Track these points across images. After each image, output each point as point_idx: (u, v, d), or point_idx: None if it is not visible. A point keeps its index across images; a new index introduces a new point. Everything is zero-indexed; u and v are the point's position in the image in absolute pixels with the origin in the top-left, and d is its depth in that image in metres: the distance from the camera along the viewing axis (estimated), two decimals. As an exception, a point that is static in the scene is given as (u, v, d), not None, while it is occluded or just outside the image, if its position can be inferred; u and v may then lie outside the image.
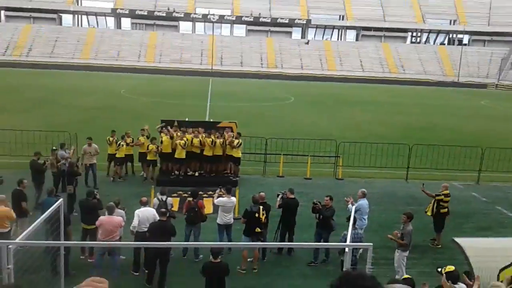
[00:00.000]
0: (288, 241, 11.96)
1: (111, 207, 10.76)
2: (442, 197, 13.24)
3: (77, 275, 10.34)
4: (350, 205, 11.68)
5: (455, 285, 7.27)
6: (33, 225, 7.69)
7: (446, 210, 13.33)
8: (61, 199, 9.33)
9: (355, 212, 10.86)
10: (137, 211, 10.98)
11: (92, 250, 11.36)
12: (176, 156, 17.14)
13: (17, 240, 7.69)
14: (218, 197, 12.28)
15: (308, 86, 62.45)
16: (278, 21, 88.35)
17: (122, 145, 17.47)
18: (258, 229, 11.07)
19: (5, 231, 10.61)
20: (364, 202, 12.45)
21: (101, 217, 10.58)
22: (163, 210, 10.89)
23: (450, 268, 7.65)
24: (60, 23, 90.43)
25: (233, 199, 12.37)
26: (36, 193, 14.42)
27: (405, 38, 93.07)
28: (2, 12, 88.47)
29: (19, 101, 35.40)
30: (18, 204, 11.74)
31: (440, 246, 12.89)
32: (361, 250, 10.23)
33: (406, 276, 8.46)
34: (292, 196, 12.33)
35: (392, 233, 10.78)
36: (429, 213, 13.31)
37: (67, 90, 43.88)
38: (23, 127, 21.08)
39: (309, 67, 79.98)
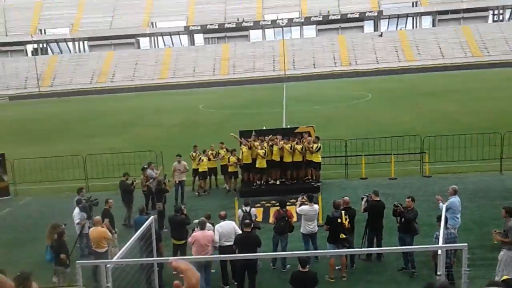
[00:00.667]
0: (377, 246, 11.58)
1: (202, 222, 11.01)
2: None
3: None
4: (440, 204, 11.11)
5: None
6: (127, 243, 8.10)
7: None
8: (152, 217, 9.77)
9: (446, 210, 10.31)
10: (217, 226, 11.13)
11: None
12: (257, 166, 17.28)
13: (114, 259, 8.14)
14: (300, 205, 12.20)
15: (386, 80, 60.58)
16: (348, 16, 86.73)
17: (202, 159, 17.92)
18: (342, 235, 10.84)
19: (102, 251, 11.26)
20: (455, 199, 11.76)
21: (195, 233, 10.81)
22: (248, 221, 10.99)
23: None
24: (139, 47, 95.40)
25: (316, 206, 12.21)
26: (127, 212, 15.21)
27: (486, 17, 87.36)
28: (86, 42, 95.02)
29: (107, 125, 37.70)
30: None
31: None
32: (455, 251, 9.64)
33: (505, 277, 7.84)
34: (378, 199, 11.95)
35: (492, 232, 10.03)
36: None
37: (149, 110, 46.07)
38: (113, 150, 22.39)
39: (385, 60, 77.50)
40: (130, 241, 8.21)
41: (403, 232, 10.99)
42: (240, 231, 10.81)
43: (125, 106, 52.16)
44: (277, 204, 12.56)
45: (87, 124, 39.57)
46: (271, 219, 12.01)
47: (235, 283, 10.69)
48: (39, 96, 75.10)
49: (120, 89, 74.65)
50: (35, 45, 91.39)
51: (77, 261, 7.88)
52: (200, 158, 17.94)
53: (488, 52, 76.57)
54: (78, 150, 23.54)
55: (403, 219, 11.02)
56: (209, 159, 18.10)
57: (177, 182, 17.07)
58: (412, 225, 10.90)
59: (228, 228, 11.01)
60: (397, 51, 79.88)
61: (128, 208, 15.31)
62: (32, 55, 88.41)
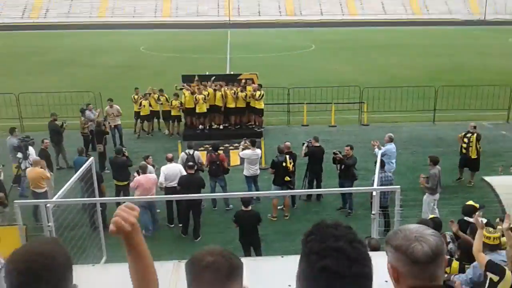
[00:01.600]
0: (316, 188, 12.09)
1: (144, 167, 10.97)
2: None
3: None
4: (376, 149, 11.67)
5: (469, 218, 7.36)
6: (67, 183, 7.94)
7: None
8: (91, 158, 9.59)
9: (382, 156, 10.86)
10: (162, 168, 11.19)
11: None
12: (197, 110, 17.19)
13: (54, 199, 7.98)
14: (243, 149, 12.40)
15: (329, 32, 60.98)
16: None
17: (143, 104, 17.55)
18: (287, 178, 11.20)
19: (42, 191, 11.00)
20: (391, 146, 12.42)
21: (138, 177, 10.75)
22: (191, 163, 11.07)
23: (469, 203, 7.80)
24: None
25: (258, 151, 12.49)
26: (56, 154, 14.80)
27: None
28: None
29: (40, 63, 35.70)
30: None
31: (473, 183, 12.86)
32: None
33: (432, 216, 8.53)
34: (318, 144, 12.36)
35: (419, 176, 10.78)
36: (473, 155, 12.93)
37: (87, 50, 43.95)
38: (47, 89, 21.37)
39: (329, 13, 77.81)
40: (70, 181, 8.06)
41: (343, 178, 11.49)
42: (185, 174, 10.89)
43: (60, 44, 49.37)
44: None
45: (19, 61, 37.25)
46: (206, 163, 12.14)
47: (180, 225, 10.86)
48: (-38, 29, 69.31)
49: (54, 26, 70.23)
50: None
51: (15, 201, 7.68)
52: (140, 103, 17.55)
53: (428, 10, 78.79)
54: (11, 88, 22.27)
55: (342, 166, 11.49)
56: (150, 104, 17.76)
57: (112, 126, 16.63)
58: (351, 171, 11.40)
59: (174, 170, 11.06)
60: (341, 4, 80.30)
61: (58, 150, 14.85)
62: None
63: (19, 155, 12.47)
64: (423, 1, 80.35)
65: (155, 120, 18.47)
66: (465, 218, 7.64)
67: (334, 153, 11.69)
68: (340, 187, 11.53)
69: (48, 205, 7.49)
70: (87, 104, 16.77)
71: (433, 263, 2.04)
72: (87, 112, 16.00)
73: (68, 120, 16.28)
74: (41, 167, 11.23)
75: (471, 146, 12.93)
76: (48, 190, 11.24)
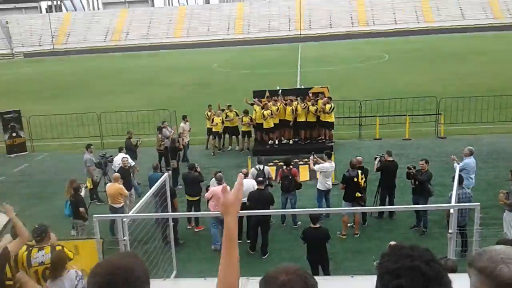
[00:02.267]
0: (389, 205, 11.65)
1: (219, 178, 11.16)
2: None
3: (186, 244, 11.01)
4: (455, 164, 11.07)
5: None
6: (143, 199, 8.26)
7: None
8: (166, 174, 9.91)
9: (461, 171, 10.28)
10: None
11: (198, 220, 11.97)
12: (265, 126, 17.26)
13: (130, 214, 8.32)
14: (314, 163, 12.24)
15: (404, 41, 59.33)
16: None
17: (214, 120, 17.89)
18: (358, 194, 10.90)
19: (119, 206, 11.50)
20: (470, 160, 11.69)
21: (213, 188, 10.96)
22: (261, 179, 11.10)
23: None
24: (153, 5, 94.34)
25: (333, 163, 12.32)
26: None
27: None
28: (100, 0, 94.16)
29: (121, 83, 37.75)
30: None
31: None
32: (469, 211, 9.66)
33: (513, 235, 7.88)
34: (391, 159, 11.94)
35: (499, 192, 10.04)
36: None
37: (163, 69, 45.91)
38: (126, 108, 22.50)
39: (404, 21, 75.71)
40: (145, 196, 8.37)
41: (417, 194, 10.95)
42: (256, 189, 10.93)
43: (138, 64, 52.02)
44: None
45: (101, 82, 39.68)
46: (278, 179, 12.10)
47: (248, 241, 10.89)
48: (53, 53, 75.18)
49: (134, 48, 74.30)
50: (49, 2, 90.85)
51: (94, 215, 8.07)
52: (212, 119, 17.95)
53: (510, 13, 74.21)
54: (93, 107, 23.71)
55: (417, 182, 10.98)
56: (222, 121, 18.11)
57: (185, 143, 17.16)
58: (426, 187, 10.86)
59: (248, 186, 11.10)
60: (416, 12, 77.86)
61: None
62: (46, 12, 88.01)
63: (98, 171, 13.18)
64: (505, 4, 75.84)
65: (227, 136, 18.79)
66: None
67: (408, 168, 11.23)
68: (414, 203, 11.03)
69: (124, 219, 7.80)
70: (162, 121, 17.42)
71: None
72: (164, 130, 16.61)
73: (144, 137, 17.01)
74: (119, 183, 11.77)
75: None
76: (128, 205, 11.77)
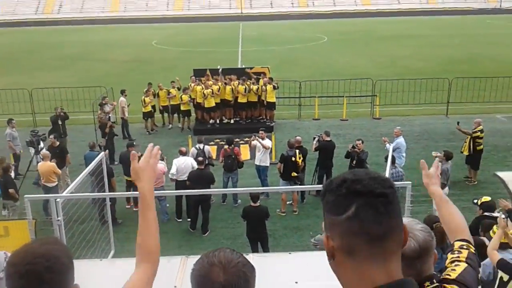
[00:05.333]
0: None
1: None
2: (478, 133, 12.70)
3: (124, 224, 10.83)
4: (387, 145, 11.53)
5: (492, 213, 7.19)
6: (78, 178, 7.99)
7: (482, 146, 12.82)
8: (103, 153, 9.64)
9: (394, 150, 10.73)
10: (174, 160, 11.21)
11: (137, 200, 11.77)
12: (206, 105, 17.15)
13: (64, 193, 8.04)
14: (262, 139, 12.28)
15: (342, 23, 60.49)
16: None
17: (145, 100, 17.46)
18: (294, 173, 11.13)
19: (53, 185, 11.10)
20: (401, 139, 12.27)
21: None
22: (201, 158, 11.07)
23: (486, 198, 7.59)
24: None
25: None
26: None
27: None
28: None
29: (53, 58, 35.96)
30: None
31: (476, 182, 12.57)
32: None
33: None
34: (328, 139, 12.25)
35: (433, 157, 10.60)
36: (465, 152, 12.76)
37: (99, 45, 44.17)
38: (61, 84, 21.54)
39: (342, 3, 77.10)
40: (81, 175, 8.11)
41: None
42: (196, 168, 10.90)
43: (72, 39, 49.68)
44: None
45: (32, 56, 37.61)
46: (220, 158, 12.12)
47: (188, 219, 10.87)
48: (-22, 25, 70.12)
49: (68, 21, 70.71)
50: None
51: (26, 195, 7.73)
52: (144, 100, 17.45)
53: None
54: (24, 83, 22.49)
55: (354, 161, 11.35)
56: (154, 96, 17.73)
57: (125, 118, 16.79)
58: (364, 166, 11.26)
59: (186, 163, 11.06)
60: (354, -6, 79.45)
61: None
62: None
63: (31, 149, 12.62)
64: (439, -10, 79.03)
65: (165, 115, 18.50)
66: (486, 213, 7.41)
67: (353, 147, 11.55)
68: (321, 181, 11.45)
69: (58, 199, 7.53)
70: (103, 97, 16.89)
71: (420, 259, 1.97)
72: (104, 106, 16.10)
73: (79, 114, 16.38)
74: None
75: (466, 143, 12.74)
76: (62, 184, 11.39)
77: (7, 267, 1.64)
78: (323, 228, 1.45)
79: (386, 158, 10.65)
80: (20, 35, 55.47)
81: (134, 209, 11.62)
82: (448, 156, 10.59)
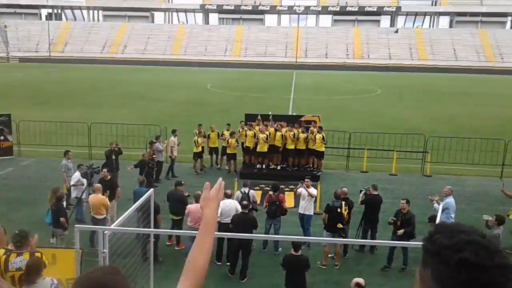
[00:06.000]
0: (371, 239, 11.71)
1: (197, 196, 11.17)
2: None
3: (164, 262, 10.95)
4: (436, 204, 11.17)
5: None
6: (126, 212, 8.23)
7: None
8: (151, 189, 9.89)
9: (442, 211, 10.37)
10: (220, 202, 11.27)
11: (179, 238, 11.92)
12: (258, 149, 17.39)
13: (112, 227, 8.28)
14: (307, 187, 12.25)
15: (397, 77, 60.29)
16: (365, 9, 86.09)
17: (197, 141, 17.95)
18: (340, 225, 10.96)
19: (101, 218, 11.45)
20: (451, 200, 11.84)
21: (190, 205, 11.05)
22: (246, 202, 11.14)
23: None
24: (153, 21, 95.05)
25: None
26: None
27: (504, 23, 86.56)
28: (100, 12, 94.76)
29: (115, 96, 37.78)
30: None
31: None
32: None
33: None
34: (376, 193, 12.05)
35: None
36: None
37: (158, 85, 46.08)
38: (119, 120, 22.50)
39: (398, 57, 77.06)
40: (129, 210, 8.35)
41: (400, 237, 10.80)
42: (240, 211, 10.97)
43: (134, 78, 52.16)
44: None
45: (95, 92, 39.69)
46: (265, 204, 12.14)
47: (228, 263, 10.85)
48: (49, 60, 75.11)
49: (131, 61, 74.55)
50: (50, 10, 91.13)
51: (76, 225, 8.02)
52: (195, 140, 17.96)
53: (502, 58, 76.01)
54: (84, 117, 23.68)
55: (398, 222, 10.89)
56: (204, 137, 18.19)
57: (174, 157, 17.29)
58: (409, 233, 10.77)
59: (231, 206, 11.15)
60: (411, 49, 79.39)
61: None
62: (46, 19, 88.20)
63: (84, 181, 13.14)
64: (498, 48, 77.69)
65: (214, 156, 18.86)
66: None
67: (389, 223, 11.07)
68: (365, 236, 11.11)
69: (105, 231, 7.77)
70: (156, 136, 17.50)
71: None
72: (156, 144, 16.68)
73: (133, 151, 16.98)
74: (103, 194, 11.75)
75: None
76: (109, 217, 11.73)
77: None
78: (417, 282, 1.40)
79: (430, 218, 10.33)
80: (86, 72, 58.82)
81: (176, 247, 11.75)
82: (500, 221, 10.14)
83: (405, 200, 11.10)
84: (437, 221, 8.70)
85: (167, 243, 11.93)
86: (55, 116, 24.10)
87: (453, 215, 11.75)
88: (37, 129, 20.27)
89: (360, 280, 7.12)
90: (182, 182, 12.59)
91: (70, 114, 26.91)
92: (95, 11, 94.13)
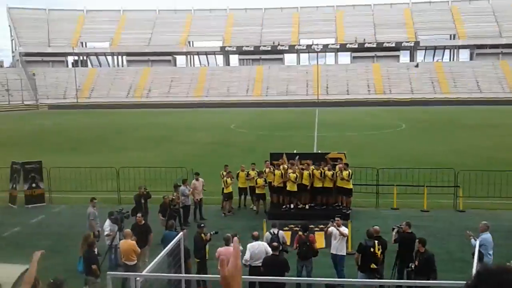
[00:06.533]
0: (407, 279, 11.35)
1: (227, 239, 11.11)
2: None
3: (197, 308, 10.79)
4: (473, 240, 10.85)
5: None
6: (157, 257, 8.22)
7: None
8: (181, 233, 9.88)
9: (480, 247, 10.05)
10: (249, 245, 11.18)
11: (205, 282, 11.74)
12: (288, 189, 17.31)
13: (144, 273, 8.26)
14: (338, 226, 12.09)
15: (420, 111, 59.92)
16: (384, 45, 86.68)
17: (226, 181, 18.02)
18: (373, 265, 10.69)
19: (132, 264, 11.43)
20: (488, 235, 11.46)
21: (220, 249, 10.94)
22: (276, 244, 10.98)
23: None
24: (175, 64, 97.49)
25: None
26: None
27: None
28: (124, 57, 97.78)
29: (141, 139, 38.43)
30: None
31: None
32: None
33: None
34: (409, 230, 11.76)
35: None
36: None
37: (182, 127, 46.77)
38: (145, 164, 22.79)
39: (420, 91, 76.82)
40: (160, 255, 8.32)
41: (419, 275, 10.29)
42: (270, 254, 10.81)
43: (159, 121, 53.10)
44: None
45: (122, 136, 40.46)
46: (295, 245, 11.96)
47: (260, 306, 10.64)
48: (77, 107, 77.34)
49: (155, 105, 76.17)
50: (76, 57, 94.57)
51: (108, 272, 8.02)
52: (224, 180, 18.04)
53: (527, 87, 75.08)
54: (113, 162, 24.03)
55: (416, 262, 10.59)
56: (233, 178, 18.20)
57: (197, 200, 17.26)
58: (428, 268, 10.38)
59: (260, 248, 11.02)
60: (432, 83, 79.19)
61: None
62: (73, 66, 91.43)
63: (111, 227, 13.20)
64: (522, 79, 76.93)
65: (242, 197, 18.81)
66: None
67: (397, 231, 10.97)
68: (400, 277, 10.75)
69: (137, 278, 7.74)
70: (183, 180, 17.57)
71: None
72: (182, 187, 16.74)
73: (161, 194, 17.07)
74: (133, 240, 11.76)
75: None
76: (141, 262, 11.71)
77: None
78: None
79: (473, 255, 9.99)
80: (112, 116, 60.22)
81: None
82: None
83: (420, 243, 10.65)
84: (475, 257, 8.44)
85: (199, 288, 11.76)
86: (83, 162, 24.59)
87: (491, 252, 11.35)
88: (67, 175, 20.64)
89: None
90: (202, 225, 12.47)
91: (98, 159, 27.41)
92: (119, 57, 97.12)
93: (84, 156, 29.47)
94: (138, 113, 64.78)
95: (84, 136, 40.80)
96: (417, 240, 10.84)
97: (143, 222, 13.17)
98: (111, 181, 20.26)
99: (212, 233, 11.73)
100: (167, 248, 9.04)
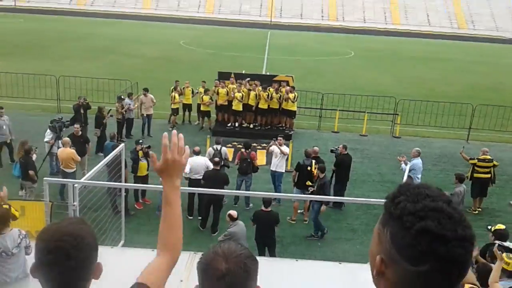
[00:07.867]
0: (339, 196, 11.99)
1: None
2: (476, 161, 12.44)
3: (136, 215, 11.00)
4: (403, 165, 11.49)
5: (503, 243, 7.07)
6: (96, 166, 8.18)
7: (482, 175, 12.36)
8: (122, 144, 9.82)
9: (409, 171, 10.68)
10: (189, 159, 11.28)
11: (145, 193, 11.87)
12: (233, 108, 17.35)
13: (82, 180, 8.22)
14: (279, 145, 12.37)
15: (370, 40, 60.34)
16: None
17: (174, 96, 17.79)
18: (309, 182, 11.17)
19: (71, 171, 11.33)
20: (418, 161, 12.19)
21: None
22: (217, 159, 11.19)
23: (500, 226, 7.48)
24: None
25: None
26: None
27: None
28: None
29: (84, 49, 36.63)
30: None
31: (476, 212, 12.29)
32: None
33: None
34: (346, 152, 12.27)
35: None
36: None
37: (129, 40, 44.81)
38: (88, 74, 21.94)
39: (372, 21, 76.91)
40: (99, 164, 8.30)
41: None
42: (211, 168, 11.01)
43: (103, 32, 50.48)
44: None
45: (63, 45, 38.36)
46: (236, 160, 12.24)
47: (199, 218, 10.98)
48: (14, 10, 71.81)
49: (100, 14, 71.95)
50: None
51: (45, 178, 7.92)
52: (172, 96, 17.78)
53: (474, 25, 76.84)
54: (52, 70, 22.98)
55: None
56: (180, 94, 18.00)
57: (144, 115, 17.04)
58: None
59: (200, 163, 11.19)
60: (385, 13, 79.28)
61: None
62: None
63: (52, 135, 12.87)
64: (470, 16, 78.46)
65: (187, 113, 18.73)
66: (497, 242, 7.29)
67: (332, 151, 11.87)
68: (335, 194, 11.49)
69: (75, 185, 7.71)
70: (129, 93, 17.15)
71: None
72: (126, 100, 16.38)
73: (103, 105, 16.65)
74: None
75: (469, 169, 12.54)
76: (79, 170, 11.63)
77: (37, 242, 1.73)
78: (373, 245, 1.32)
79: (403, 178, 10.64)
80: (52, 23, 56.60)
81: (140, 201, 11.73)
82: (460, 179, 10.52)
83: (342, 145, 12.20)
84: (404, 179, 8.97)
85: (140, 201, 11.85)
86: (21, 68, 23.28)
87: (419, 176, 12.14)
88: (2, 81, 19.58)
89: None
90: (141, 141, 12.29)
91: (37, 65, 26.03)
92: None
93: (21, 62, 27.83)
94: (80, 22, 61.14)
95: (22, 42, 38.31)
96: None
97: (80, 133, 12.88)
98: (51, 89, 19.48)
99: (145, 146, 11.62)
100: (107, 157, 9.01)
